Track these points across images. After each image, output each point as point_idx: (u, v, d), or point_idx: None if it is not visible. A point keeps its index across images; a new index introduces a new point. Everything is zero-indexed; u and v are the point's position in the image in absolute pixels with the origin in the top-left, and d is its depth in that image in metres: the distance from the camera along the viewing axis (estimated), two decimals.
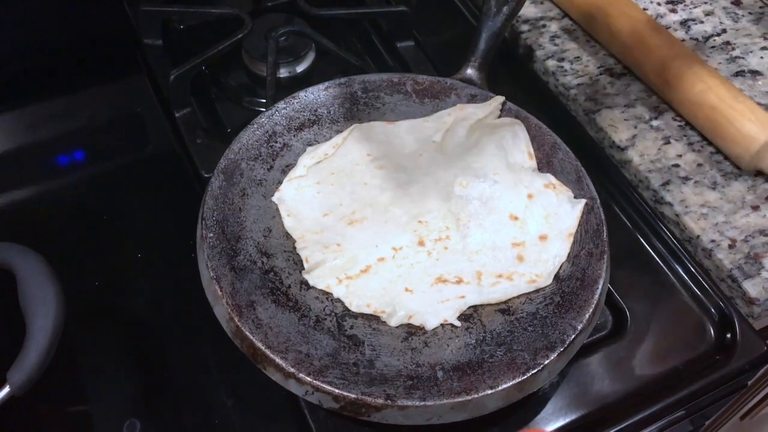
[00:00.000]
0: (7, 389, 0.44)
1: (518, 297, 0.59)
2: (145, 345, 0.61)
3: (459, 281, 0.59)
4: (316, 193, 0.63)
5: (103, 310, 0.63)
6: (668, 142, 0.74)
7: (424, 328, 0.56)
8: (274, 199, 0.63)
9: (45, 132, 0.78)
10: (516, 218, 0.61)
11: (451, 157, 0.66)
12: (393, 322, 0.57)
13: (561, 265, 0.60)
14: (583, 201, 0.62)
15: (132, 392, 0.58)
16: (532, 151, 0.67)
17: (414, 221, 0.62)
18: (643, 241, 0.69)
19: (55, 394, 0.57)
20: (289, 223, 0.61)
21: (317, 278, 0.58)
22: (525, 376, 0.53)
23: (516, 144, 0.66)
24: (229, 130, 0.77)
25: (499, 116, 0.69)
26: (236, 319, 0.54)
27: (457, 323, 0.57)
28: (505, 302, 0.58)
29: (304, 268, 0.59)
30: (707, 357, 0.62)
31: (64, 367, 0.57)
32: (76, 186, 0.72)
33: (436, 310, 0.57)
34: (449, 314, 0.57)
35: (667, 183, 0.71)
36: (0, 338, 0.51)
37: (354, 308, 0.57)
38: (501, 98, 0.70)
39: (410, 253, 0.60)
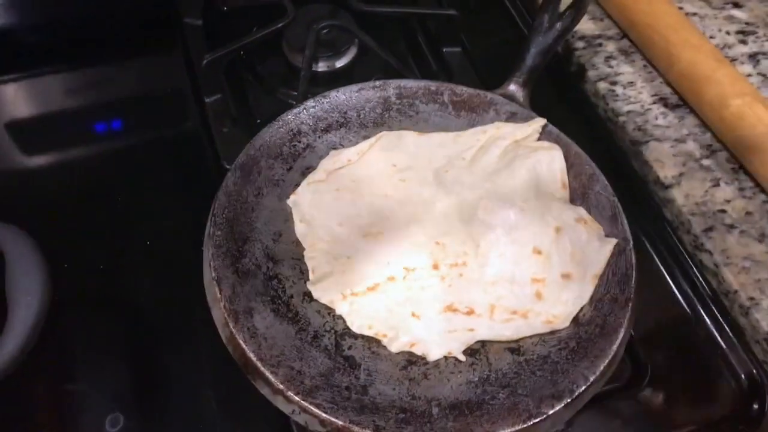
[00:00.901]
0: None
1: (531, 337, 0.55)
2: (139, 338, 0.60)
3: (470, 312, 0.55)
4: (333, 200, 0.60)
5: (102, 296, 0.62)
6: (717, 185, 0.69)
7: (425, 358, 0.53)
8: (289, 202, 0.60)
9: (79, 100, 0.77)
10: (539, 252, 0.58)
11: (480, 177, 0.62)
12: (394, 348, 0.54)
13: (581, 308, 0.56)
14: (614, 241, 0.58)
15: (119, 385, 0.57)
16: (567, 180, 0.63)
17: (431, 242, 0.58)
18: (675, 288, 0.65)
19: (42, 378, 0.56)
20: (300, 229, 0.59)
21: (321, 291, 0.56)
22: (525, 425, 0.50)
23: (550, 171, 0.62)
24: (258, 121, 0.75)
25: (538, 139, 0.65)
26: (231, 325, 0.52)
27: (462, 358, 0.54)
28: (516, 341, 0.55)
29: (309, 279, 0.57)
30: (729, 426, 0.57)
31: (54, 350, 0.57)
32: (94, 163, 0.71)
33: (441, 340, 0.54)
34: (455, 347, 0.54)
35: (710, 229, 0.66)
36: None
37: (355, 328, 0.54)
38: (542, 121, 0.66)
39: (422, 276, 0.57)
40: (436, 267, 0.57)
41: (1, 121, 0.74)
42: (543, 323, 0.55)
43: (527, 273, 0.57)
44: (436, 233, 0.59)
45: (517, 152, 0.64)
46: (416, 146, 0.64)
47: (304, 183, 0.61)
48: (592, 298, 0.57)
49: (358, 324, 0.55)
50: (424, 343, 0.54)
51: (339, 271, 0.57)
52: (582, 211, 0.61)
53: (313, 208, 0.60)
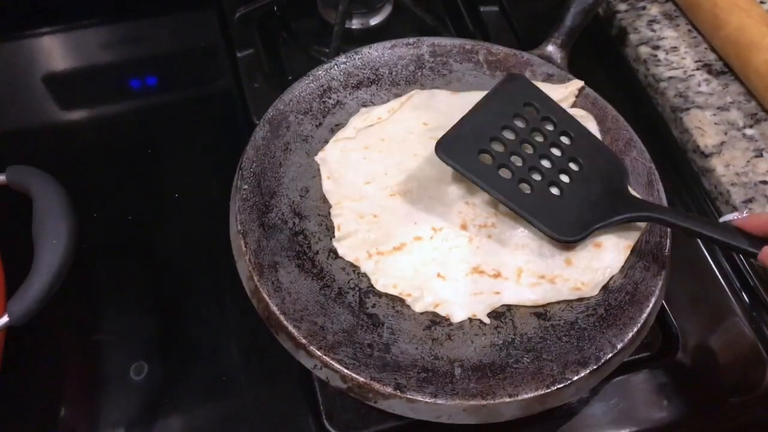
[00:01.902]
0: (5, 319, 0.43)
1: (558, 303, 0.54)
2: (165, 288, 0.60)
3: (497, 275, 0.54)
4: (362, 158, 0.59)
5: (130, 246, 0.62)
6: (760, 155, 0.67)
7: (449, 319, 0.53)
8: (317, 158, 0.59)
9: (113, 54, 0.77)
10: None
11: None
12: (418, 308, 0.53)
13: (612, 277, 0.55)
14: (643, 223, 0.57)
15: (144, 334, 0.57)
16: None
17: (460, 201, 0.57)
18: (710, 259, 0.63)
19: (69, 326, 0.57)
20: (327, 185, 0.58)
21: (347, 248, 0.55)
22: (549, 390, 0.49)
23: None
24: (290, 78, 0.74)
25: (574, 103, 0.64)
26: (256, 279, 0.52)
27: (487, 320, 0.53)
28: (543, 306, 0.54)
29: (335, 236, 0.56)
30: (761, 398, 0.56)
31: (81, 299, 0.57)
32: (125, 116, 0.71)
33: (466, 302, 0.53)
34: (479, 309, 0.53)
35: (750, 200, 0.64)
36: (11, 262, 0.50)
37: (379, 287, 0.54)
38: (579, 83, 0.64)
39: (450, 236, 0.56)
40: (464, 227, 0.56)
41: (37, 74, 0.75)
42: (571, 290, 0.54)
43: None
44: (465, 193, 0.58)
45: None
46: (448, 105, 0.63)
47: (332, 140, 0.60)
48: (623, 266, 0.55)
49: (382, 282, 0.54)
50: (448, 305, 0.53)
51: (365, 230, 0.56)
52: None
53: (341, 165, 0.59)
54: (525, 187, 0.55)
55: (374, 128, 0.61)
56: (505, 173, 0.55)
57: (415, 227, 0.56)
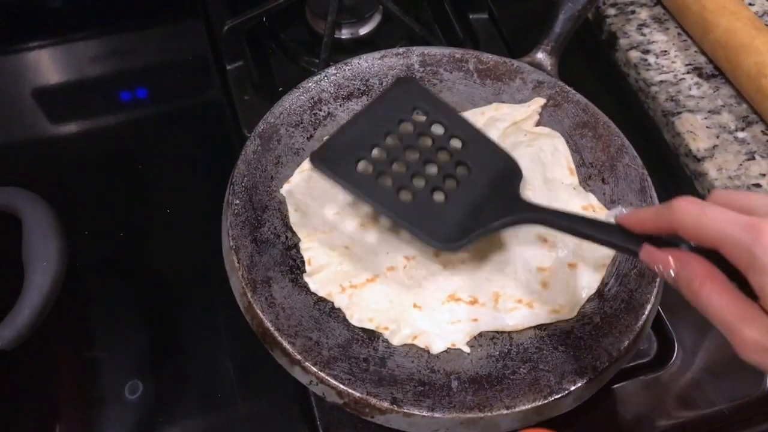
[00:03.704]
0: None
1: None
2: (158, 306, 0.59)
3: (474, 302, 0.54)
4: (329, 188, 0.58)
5: (122, 263, 0.61)
6: (752, 158, 0.67)
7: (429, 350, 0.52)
8: (282, 191, 0.58)
9: (102, 67, 0.77)
10: (545, 240, 0.56)
11: None
12: (396, 341, 0.52)
13: (608, 284, 0.55)
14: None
15: (138, 351, 0.57)
16: (573, 166, 0.61)
17: None
18: None
19: (62, 345, 0.56)
20: (295, 218, 0.57)
21: (319, 283, 0.54)
22: (546, 401, 0.49)
23: (555, 158, 0.61)
24: (280, 89, 0.74)
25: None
26: (249, 295, 0.52)
27: (467, 349, 0.52)
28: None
29: (305, 270, 0.55)
30: (759, 406, 0.56)
31: (73, 317, 0.57)
32: (114, 130, 0.71)
33: (444, 331, 0.53)
34: (459, 338, 0.52)
35: None
36: (1, 283, 0.50)
37: (355, 321, 0.53)
38: (541, 101, 0.64)
39: (424, 264, 0.55)
40: (437, 254, 0.55)
41: (27, 88, 0.74)
42: (549, 313, 0.54)
43: (533, 261, 0.55)
44: None
45: (518, 137, 0.62)
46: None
47: (297, 171, 0.59)
48: (618, 273, 0.55)
49: (357, 317, 0.53)
50: (427, 336, 0.52)
51: (336, 263, 0.55)
52: (591, 198, 0.59)
53: (307, 196, 0.58)
54: (406, 195, 0.53)
55: None
56: (385, 181, 0.53)
57: (388, 257, 0.55)
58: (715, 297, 0.37)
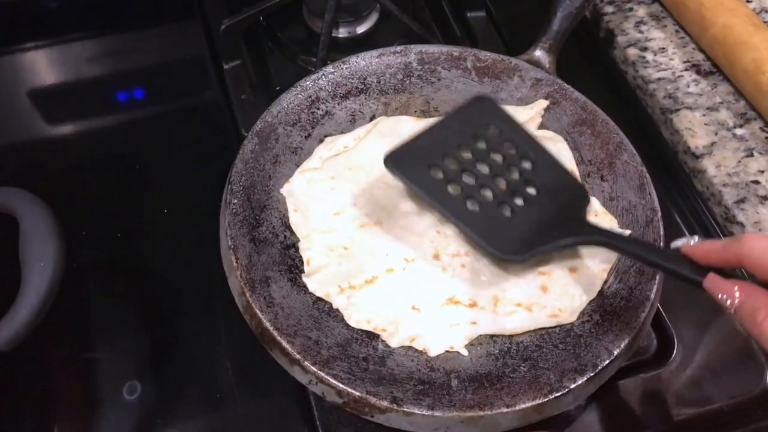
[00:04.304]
0: None
1: None
2: (157, 305, 0.59)
3: (473, 305, 0.53)
4: (329, 188, 0.58)
5: (120, 263, 0.61)
6: (751, 155, 0.67)
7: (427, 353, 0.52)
8: (283, 191, 0.58)
9: (99, 68, 0.77)
10: None
11: None
12: (394, 343, 0.52)
13: (607, 281, 0.55)
14: (627, 232, 0.57)
15: (136, 352, 0.56)
16: (576, 171, 0.61)
17: (432, 230, 0.57)
18: None
19: (60, 346, 0.56)
20: (295, 219, 0.57)
21: (318, 283, 0.54)
22: (546, 399, 0.49)
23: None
24: (278, 88, 0.73)
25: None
26: (248, 294, 0.51)
27: (465, 352, 0.52)
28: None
29: (304, 270, 0.55)
30: (758, 403, 0.55)
31: (71, 318, 0.56)
32: (112, 131, 0.71)
33: (443, 334, 0.52)
34: (457, 341, 0.52)
35: (742, 200, 0.64)
36: None
37: (353, 323, 0.52)
38: (544, 103, 0.64)
39: (423, 267, 0.55)
40: (437, 257, 0.55)
41: (23, 89, 0.74)
42: (548, 317, 0.53)
43: (533, 265, 0.55)
44: (436, 222, 0.57)
45: None
46: (415, 131, 0.62)
47: (297, 171, 0.59)
48: (618, 269, 0.55)
49: (356, 318, 0.52)
50: (425, 338, 0.52)
51: (335, 263, 0.55)
52: (594, 203, 0.59)
53: (308, 197, 0.58)
54: (473, 205, 0.54)
55: (341, 157, 0.60)
56: (453, 189, 0.55)
57: (387, 259, 0.55)
58: None
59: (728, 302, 0.41)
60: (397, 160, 0.54)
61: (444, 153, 0.56)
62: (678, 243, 0.46)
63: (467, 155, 0.57)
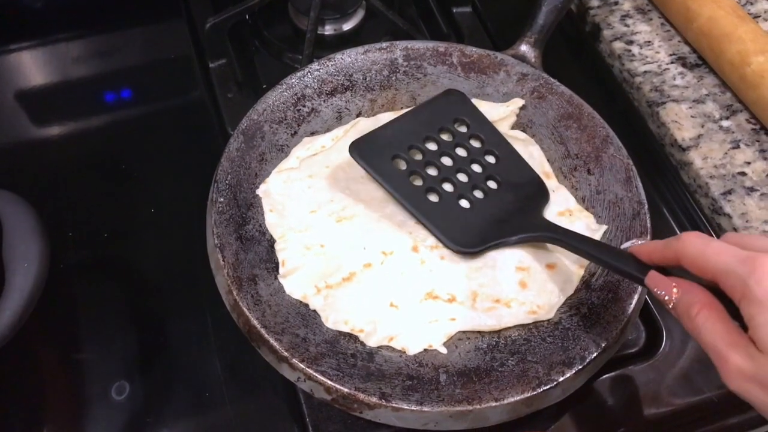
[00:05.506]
0: None
1: None
2: (144, 305, 0.59)
3: (451, 299, 0.53)
4: (306, 187, 0.58)
5: (107, 263, 0.61)
6: (737, 147, 0.67)
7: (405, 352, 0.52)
8: (259, 192, 0.57)
9: (85, 68, 0.76)
10: None
11: None
12: (371, 342, 0.51)
13: (594, 274, 0.55)
14: (604, 228, 0.57)
15: (125, 352, 0.56)
16: (550, 170, 0.61)
17: (410, 221, 0.56)
18: None
19: (47, 347, 0.56)
20: (270, 219, 0.56)
21: (294, 285, 0.53)
22: (535, 392, 0.49)
23: (531, 164, 0.60)
24: (264, 86, 0.73)
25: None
26: (235, 293, 0.51)
27: (443, 350, 0.52)
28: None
29: (279, 272, 0.54)
30: None
31: (58, 318, 0.56)
32: (98, 131, 0.70)
33: (421, 332, 0.52)
34: (436, 339, 0.52)
35: (729, 192, 0.64)
36: None
37: (330, 324, 0.52)
38: (520, 102, 0.64)
39: (401, 260, 0.55)
40: (415, 249, 0.55)
41: (9, 90, 0.74)
42: (527, 313, 0.53)
43: (511, 260, 0.55)
44: None
45: None
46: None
47: (274, 171, 0.59)
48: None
49: (333, 319, 0.52)
50: (403, 337, 0.51)
51: (312, 262, 0.54)
52: (570, 202, 0.59)
53: (285, 196, 0.57)
54: (433, 196, 0.56)
55: (318, 157, 0.60)
56: (416, 180, 0.57)
57: (365, 253, 0.55)
58: (710, 323, 0.39)
59: (666, 298, 0.42)
60: (362, 149, 0.55)
61: (409, 144, 0.58)
62: (627, 244, 0.49)
63: (433, 147, 0.59)
